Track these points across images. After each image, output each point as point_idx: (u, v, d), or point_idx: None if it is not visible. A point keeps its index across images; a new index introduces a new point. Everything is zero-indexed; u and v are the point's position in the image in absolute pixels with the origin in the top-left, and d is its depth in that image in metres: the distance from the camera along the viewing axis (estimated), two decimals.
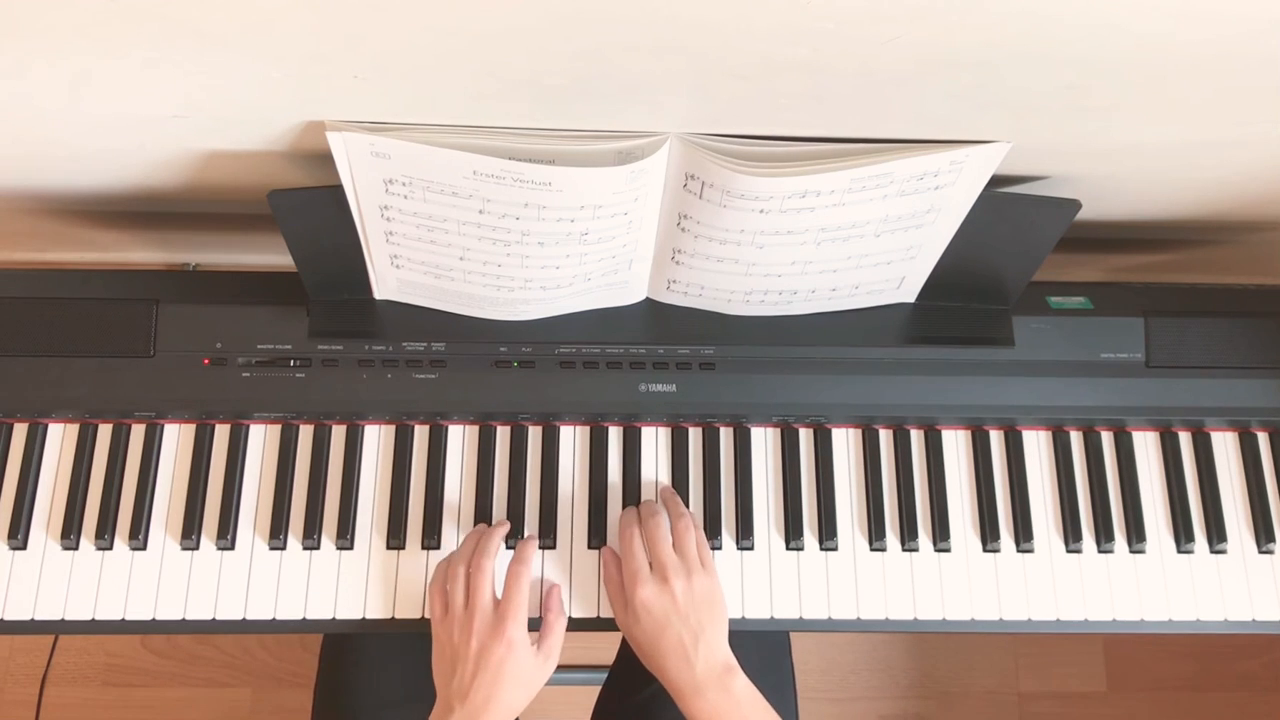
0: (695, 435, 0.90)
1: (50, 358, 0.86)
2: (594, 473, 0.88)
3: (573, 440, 0.89)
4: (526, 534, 0.85)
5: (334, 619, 0.83)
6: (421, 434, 0.88)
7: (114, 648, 1.55)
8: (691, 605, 0.76)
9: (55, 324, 0.86)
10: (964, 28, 0.54)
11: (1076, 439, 0.92)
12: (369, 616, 0.83)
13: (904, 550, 0.87)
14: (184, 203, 0.89)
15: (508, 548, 0.84)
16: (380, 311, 0.87)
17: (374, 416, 0.88)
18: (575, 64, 0.59)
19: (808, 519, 0.88)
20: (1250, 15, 0.53)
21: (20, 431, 0.87)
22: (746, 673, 0.76)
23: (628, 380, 0.87)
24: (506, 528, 0.84)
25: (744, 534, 0.86)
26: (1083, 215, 0.78)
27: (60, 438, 0.87)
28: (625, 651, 1.03)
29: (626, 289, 0.87)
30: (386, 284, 0.85)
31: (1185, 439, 0.92)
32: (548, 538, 0.86)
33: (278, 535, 0.85)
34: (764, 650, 0.96)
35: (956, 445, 0.91)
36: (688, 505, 0.87)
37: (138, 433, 0.87)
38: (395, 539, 0.85)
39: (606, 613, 0.84)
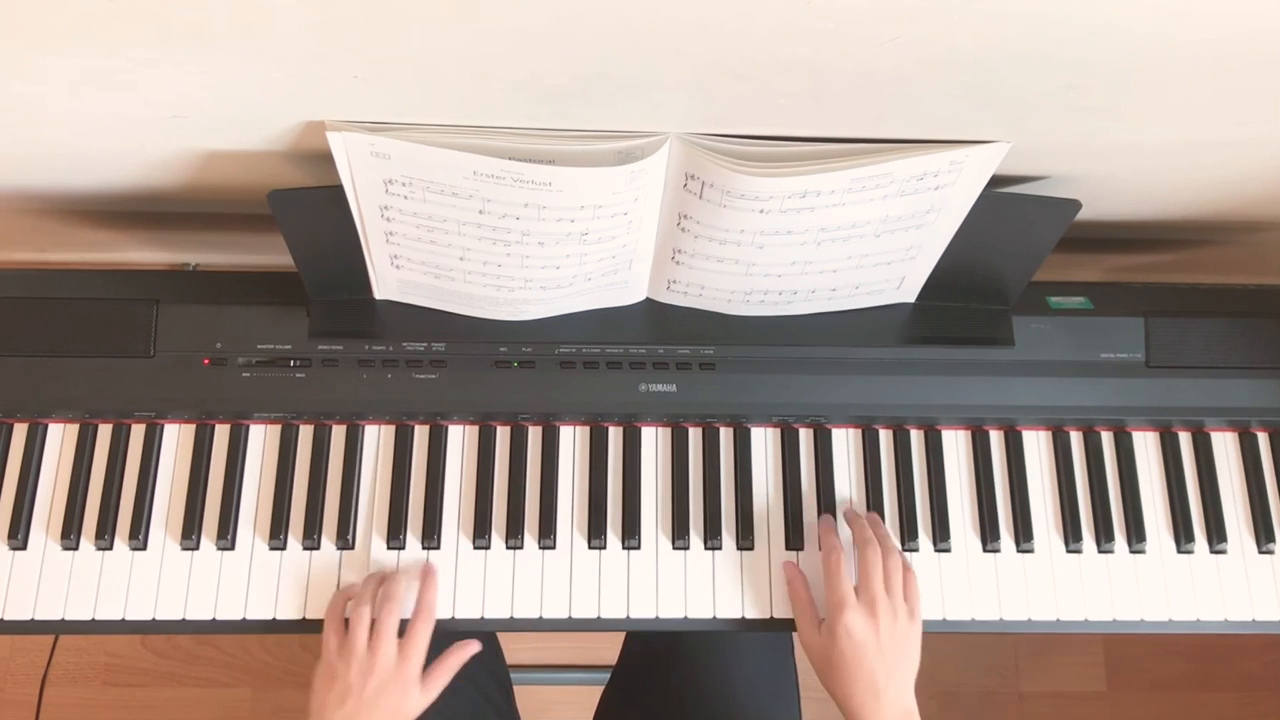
0: (695, 435, 0.90)
1: (50, 358, 0.86)
2: (594, 473, 0.88)
3: (572, 440, 0.89)
4: (425, 568, 0.84)
5: None
6: (421, 434, 0.88)
7: (114, 648, 1.55)
8: (892, 644, 0.77)
9: (55, 324, 0.86)
10: (964, 28, 0.54)
11: (1076, 439, 0.92)
12: None
13: (904, 550, 0.87)
14: (184, 203, 0.89)
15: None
16: (380, 311, 0.87)
17: (374, 416, 0.88)
18: (575, 64, 0.59)
19: (808, 519, 0.88)
20: (1250, 15, 0.53)
21: (20, 431, 0.87)
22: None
23: (628, 380, 0.87)
24: (411, 574, 0.84)
25: (744, 534, 0.86)
26: (1083, 215, 0.78)
27: (60, 438, 0.87)
28: (628, 655, 1.03)
29: (626, 289, 0.87)
30: (386, 284, 0.85)
31: (1185, 439, 0.92)
32: (547, 538, 0.86)
33: (278, 535, 0.85)
34: (768, 650, 0.96)
35: (956, 445, 0.91)
36: (687, 506, 0.87)
37: (138, 433, 0.87)
38: (395, 539, 0.85)
39: (608, 614, 0.84)
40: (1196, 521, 0.90)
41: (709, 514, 0.87)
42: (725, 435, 0.90)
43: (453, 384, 0.87)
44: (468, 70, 0.60)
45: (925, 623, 0.85)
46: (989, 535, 0.88)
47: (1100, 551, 0.88)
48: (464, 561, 0.85)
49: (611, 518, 0.87)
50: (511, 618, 0.84)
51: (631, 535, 0.86)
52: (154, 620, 0.83)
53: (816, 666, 0.79)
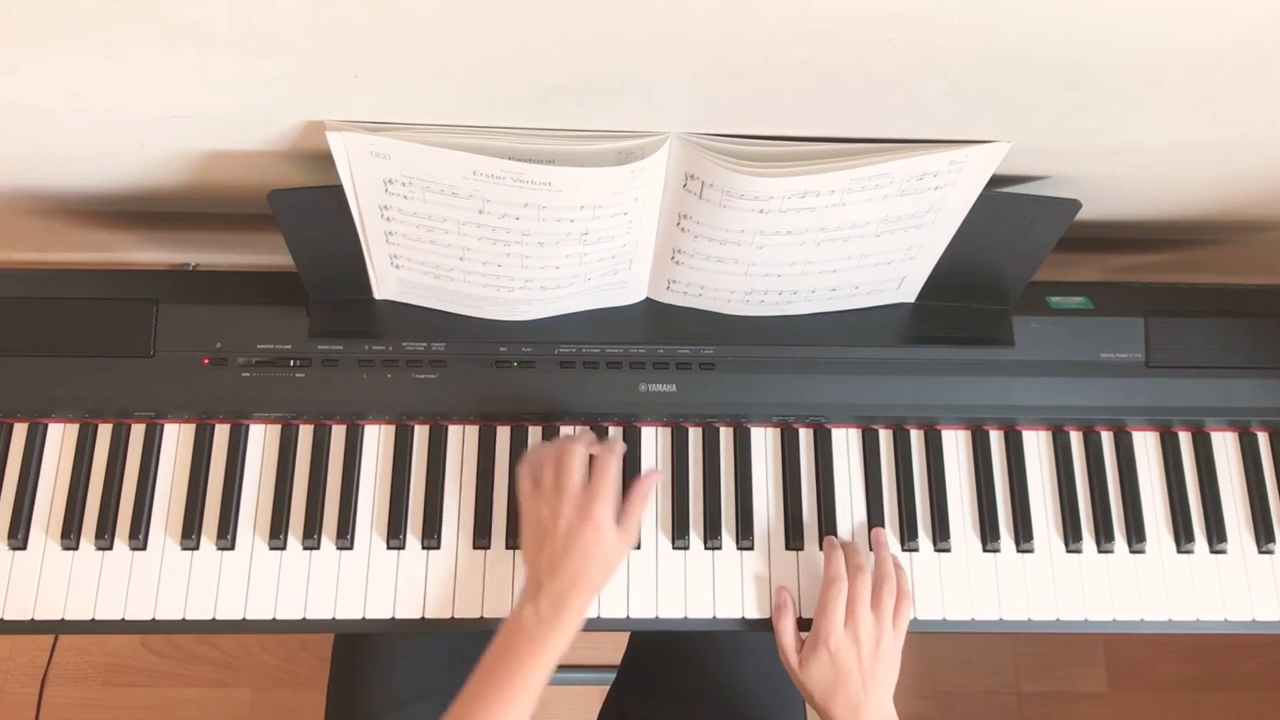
0: (695, 435, 0.90)
1: (50, 358, 0.86)
2: None
3: None
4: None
5: (334, 619, 0.83)
6: (421, 434, 0.88)
7: (114, 648, 1.55)
8: (874, 663, 0.78)
9: (55, 324, 0.86)
10: (963, 28, 0.54)
11: (1076, 439, 0.91)
12: (369, 616, 0.83)
13: (904, 550, 0.87)
14: (184, 203, 0.89)
15: None
16: (380, 311, 0.87)
17: (374, 416, 0.88)
18: (575, 64, 0.59)
19: (808, 519, 0.88)
20: (1250, 15, 0.53)
21: (20, 431, 0.87)
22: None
23: (628, 380, 0.87)
24: (593, 436, 0.85)
25: (744, 534, 0.86)
26: (1083, 215, 0.78)
27: (60, 438, 0.87)
28: (633, 655, 1.03)
29: (626, 289, 0.87)
30: (386, 284, 0.85)
31: (1185, 439, 0.92)
32: None
33: (278, 535, 0.85)
34: (772, 651, 0.96)
35: (956, 445, 0.91)
36: (687, 506, 0.87)
37: (138, 433, 0.87)
38: (395, 539, 0.85)
39: (607, 614, 0.84)
40: (1196, 521, 0.90)
41: (709, 514, 0.87)
42: (725, 435, 0.90)
43: (453, 384, 0.87)
44: (468, 70, 0.60)
45: (925, 623, 0.85)
46: (989, 535, 0.88)
47: (1100, 551, 0.88)
48: (464, 561, 0.85)
49: None
50: None
51: None
52: (154, 620, 0.83)
53: (800, 684, 0.80)
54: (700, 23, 0.54)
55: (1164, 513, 0.90)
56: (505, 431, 0.89)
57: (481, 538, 0.85)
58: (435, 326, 0.87)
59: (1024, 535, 0.88)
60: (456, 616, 0.84)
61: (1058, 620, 0.86)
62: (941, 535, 0.87)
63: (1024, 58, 0.57)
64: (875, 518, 0.88)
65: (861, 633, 0.79)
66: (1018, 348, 0.88)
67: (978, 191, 0.75)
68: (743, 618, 0.85)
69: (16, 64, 0.60)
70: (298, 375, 0.86)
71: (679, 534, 0.86)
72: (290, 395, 0.86)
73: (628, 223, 0.76)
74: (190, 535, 0.84)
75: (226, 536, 0.85)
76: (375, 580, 0.84)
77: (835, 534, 0.87)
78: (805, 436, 0.90)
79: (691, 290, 0.86)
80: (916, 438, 0.91)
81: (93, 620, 0.83)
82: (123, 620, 0.83)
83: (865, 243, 0.79)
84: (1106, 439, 0.92)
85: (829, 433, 0.90)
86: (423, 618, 0.83)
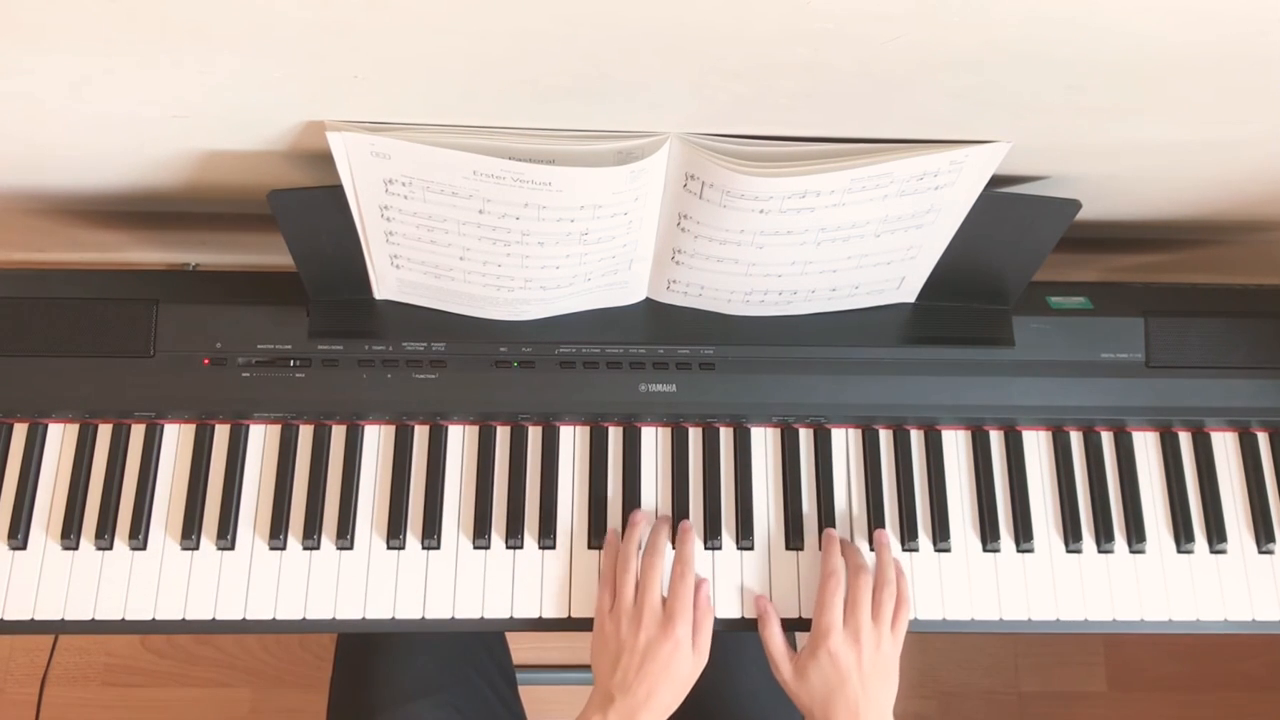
0: (695, 435, 0.90)
1: (50, 358, 0.86)
2: (594, 473, 0.88)
3: (572, 440, 0.89)
4: (679, 525, 0.85)
5: (334, 619, 0.84)
6: (421, 434, 0.88)
7: (114, 648, 1.55)
8: (873, 669, 0.78)
9: (55, 324, 0.86)
10: (964, 28, 0.54)
11: (1076, 439, 0.92)
12: (369, 616, 0.83)
13: (904, 550, 0.87)
14: (184, 203, 0.89)
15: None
16: (380, 311, 0.87)
17: (374, 416, 0.88)
18: (575, 64, 0.59)
19: (808, 519, 0.88)
20: (1250, 15, 0.53)
21: (20, 431, 0.87)
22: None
23: (628, 380, 0.87)
24: (669, 522, 0.85)
25: (744, 534, 0.86)
26: (1083, 215, 0.78)
27: (60, 438, 0.87)
28: None
29: (626, 289, 0.87)
30: (386, 284, 0.85)
31: (1185, 439, 0.92)
32: (548, 538, 0.86)
33: (278, 535, 0.85)
34: None
35: (956, 445, 0.91)
36: (687, 506, 0.87)
37: (138, 433, 0.87)
38: (395, 539, 0.85)
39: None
40: (1196, 521, 0.90)
41: (709, 514, 0.87)
42: (725, 435, 0.90)
43: (453, 384, 0.87)
44: (468, 70, 0.60)
45: (925, 623, 0.85)
46: (989, 535, 0.88)
47: (1100, 551, 0.88)
48: (464, 561, 0.85)
49: (612, 518, 0.87)
50: (511, 618, 0.84)
51: None
52: (154, 620, 0.83)
53: (793, 693, 0.79)
54: (700, 22, 0.54)
55: (1164, 513, 0.90)
56: (505, 431, 0.89)
57: (481, 538, 0.85)
58: (435, 326, 0.87)
59: (1024, 535, 0.88)
60: (457, 617, 0.84)
61: (1058, 620, 0.86)
62: (941, 535, 0.87)
63: (1025, 58, 0.57)
64: (875, 518, 0.88)
65: (862, 633, 0.78)
66: (1018, 348, 0.88)
67: (978, 191, 0.75)
68: (742, 618, 0.85)
69: (17, 63, 0.60)
70: (298, 375, 0.86)
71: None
72: (290, 395, 0.86)
73: (628, 223, 0.76)
74: (190, 535, 0.84)
75: (226, 536, 0.85)
76: (375, 580, 0.84)
77: (837, 555, 0.86)
78: (805, 436, 0.90)
79: (692, 290, 0.86)
80: (916, 438, 0.91)
81: (93, 620, 0.83)
82: (123, 620, 0.83)
83: (865, 243, 0.79)
84: (1106, 439, 0.92)
85: (829, 433, 0.90)
86: (423, 618, 0.83)
